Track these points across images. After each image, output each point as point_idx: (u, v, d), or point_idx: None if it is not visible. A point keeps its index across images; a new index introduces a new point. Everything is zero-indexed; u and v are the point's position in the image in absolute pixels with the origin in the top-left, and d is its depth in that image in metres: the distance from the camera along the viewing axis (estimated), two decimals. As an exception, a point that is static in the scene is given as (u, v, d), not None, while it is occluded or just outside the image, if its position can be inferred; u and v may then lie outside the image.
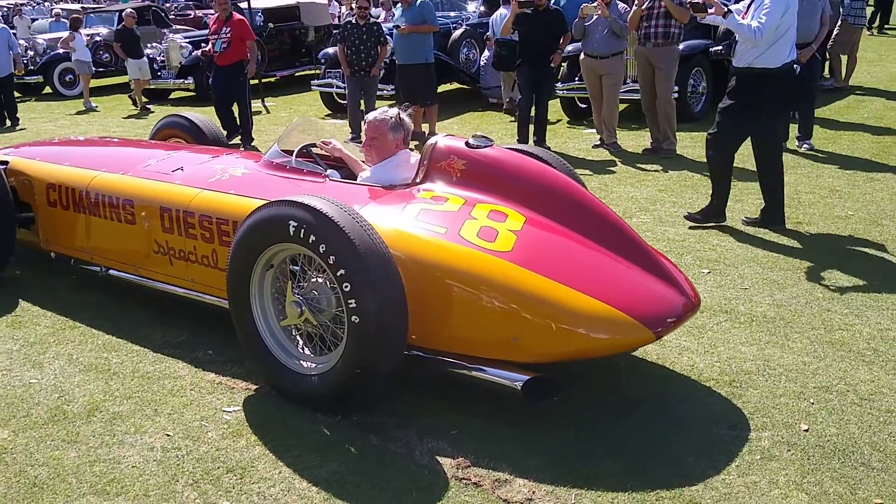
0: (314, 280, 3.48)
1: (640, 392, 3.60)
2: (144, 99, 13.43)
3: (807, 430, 3.22)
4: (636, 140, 9.03)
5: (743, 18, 5.60)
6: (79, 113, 13.36)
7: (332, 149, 4.48)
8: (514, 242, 3.43)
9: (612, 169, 7.91)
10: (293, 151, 4.36)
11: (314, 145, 4.53)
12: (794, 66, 5.77)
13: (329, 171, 4.22)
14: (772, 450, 3.11)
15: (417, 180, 3.92)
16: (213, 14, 19.30)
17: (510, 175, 3.79)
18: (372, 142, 4.17)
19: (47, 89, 15.72)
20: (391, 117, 4.13)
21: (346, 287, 3.18)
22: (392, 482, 2.98)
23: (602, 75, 8.58)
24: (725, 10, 5.67)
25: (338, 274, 3.20)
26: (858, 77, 11.96)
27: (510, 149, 4.05)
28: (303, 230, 3.27)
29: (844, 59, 11.60)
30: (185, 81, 14.13)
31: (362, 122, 9.31)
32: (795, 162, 7.69)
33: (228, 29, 8.94)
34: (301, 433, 3.30)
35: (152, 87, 14.25)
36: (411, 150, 4.28)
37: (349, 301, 3.19)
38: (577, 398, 3.49)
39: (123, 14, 13.26)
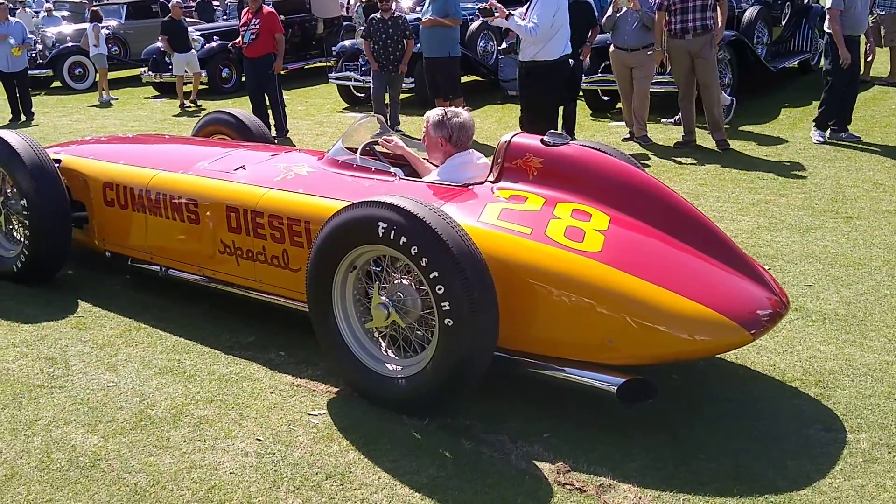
0: (398, 282, 3.43)
1: (728, 393, 3.57)
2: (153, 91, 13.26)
3: (904, 432, 3.20)
4: (665, 133, 9.01)
5: (523, 20, 6.71)
6: (93, 106, 13.24)
7: (394, 146, 4.43)
8: (603, 242, 3.38)
9: (645, 163, 7.86)
10: (356, 149, 4.31)
11: (376, 143, 4.48)
12: (570, 59, 7.07)
13: (394, 170, 4.17)
14: (872, 452, 3.09)
15: (491, 179, 3.87)
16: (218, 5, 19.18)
17: (590, 173, 3.75)
18: (422, 139, 4.18)
19: (56, 83, 15.58)
20: (436, 115, 4.10)
21: (440, 290, 3.13)
22: (494, 488, 2.94)
23: (633, 68, 8.54)
24: (507, 13, 6.79)
25: (430, 276, 3.15)
26: (877, 68, 11.94)
27: (585, 146, 4.00)
28: (393, 231, 3.22)
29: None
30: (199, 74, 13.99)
31: (387, 116, 9.34)
32: (832, 155, 7.68)
33: (258, 21, 8.88)
34: (392, 437, 3.26)
35: (164, 80, 14.15)
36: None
37: (442, 304, 3.14)
38: (666, 400, 3.45)
39: (171, 5, 12.93)
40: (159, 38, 13.22)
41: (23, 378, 3.77)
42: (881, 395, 3.47)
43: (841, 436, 3.20)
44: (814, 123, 8.37)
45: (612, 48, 8.70)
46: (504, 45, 8.70)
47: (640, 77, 8.55)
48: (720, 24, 7.98)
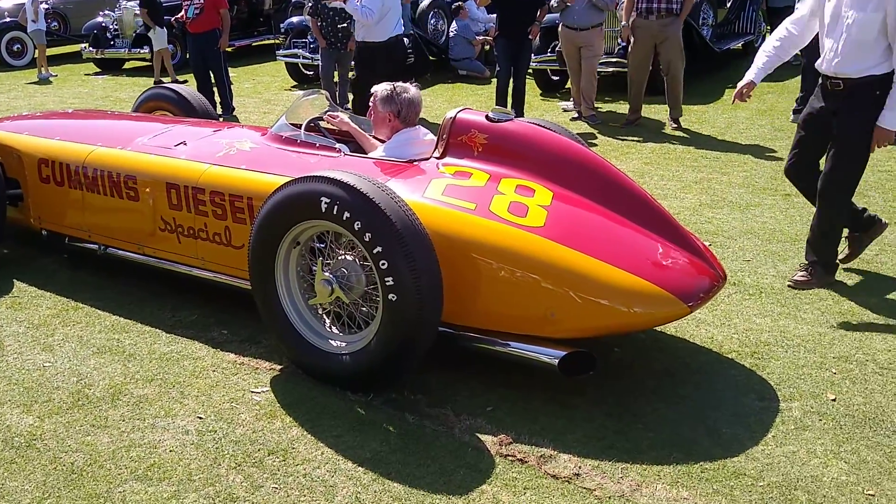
0: (342, 257, 3.42)
1: (667, 365, 3.64)
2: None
3: (834, 400, 3.30)
4: (612, 113, 9.09)
5: (358, 2, 7.32)
6: (31, 84, 12.85)
7: (339, 122, 4.39)
8: (546, 218, 3.41)
9: (593, 142, 7.94)
10: (301, 125, 4.26)
11: (321, 119, 4.43)
12: (403, 38, 7.84)
13: (339, 146, 4.13)
14: (804, 420, 3.19)
15: (436, 155, 3.86)
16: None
17: (534, 149, 3.76)
18: (370, 113, 4.14)
19: (-7, 60, 15.07)
20: (384, 90, 4.06)
21: (383, 265, 3.13)
22: (437, 460, 2.97)
23: (581, 47, 8.58)
24: None
25: (374, 251, 3.14)
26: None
27: (529, 122, 4.02)
28: (336, 207, 3.20)
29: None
30: (141, 51, 13.68)
31: (336, 94, 9.24)
32: (773, 135, 7.85)
33: (202, -5, 8.69)
34: (335, 413, 3.26)
35: (105, 56, 13.80)
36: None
37: (386, 279, 3.14)
38: (608, 372, 3.51)
39: None
40: (137, 11, 12.45)
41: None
42: (813, 365, 3.57)
43: (774, 405, 3.30)
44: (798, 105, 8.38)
45: (560, 27, 8.73)
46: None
47: (589, 56, 8.59)
48: (686, 9, 8.03)
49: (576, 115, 8.89)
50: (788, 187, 6.13)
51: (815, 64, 4.19)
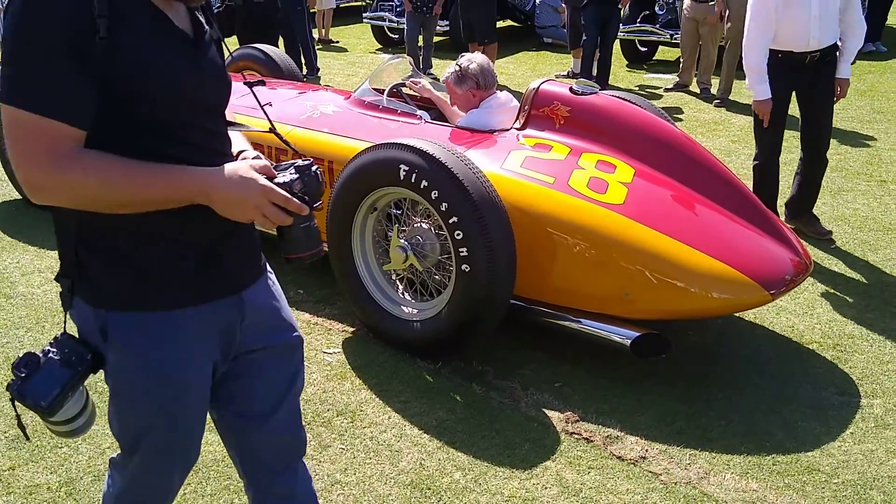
0: (418, 225, 3.43)
1: (744, 352, 3.54)
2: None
3: (919, 400, 3.17)
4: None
5: None
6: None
7: (421, 89, 4.39)
8: (626, 195, 3.34)
9: (679, 117, 7.73)
10: (384, 91, 4.27)
11: (404, 85, 4.43)
12: None
13: (420, 113, 4.13)
14: (885, 418, 3.07)
15: (517, 126, 3.82)
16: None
17: (617, 124, 3.69)
18: (452, 99, 4.08)
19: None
20: (452, 72, 3.96)
21: (458, 235, 3.13)
22: (502, 433, 2.97)
23: (700, 20, 8.31)
24: None
25: (450, 221, 3.14)
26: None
27: (613, 96, 3.93)
28: (414, 175, 3.21)
29: None
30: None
31: (420, 59, 9.24)
32: (871, 117, 7.48)
33: (289, -45, 8.75)
34: (404, 378, 3.30)
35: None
36: None
37: (460, 249, 3.14)
38: (681, 356, 3.44)
39: None
40: None
41: (46, 303, 3.85)
42: (899, 361, 3.43)
43: (854, 400, 3.18)
44: None
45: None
46: None
47: (710, 30, 8.33)
48: None
49: (670, 86, 8.66)
50: (885, 173, 5.88)
51: (788, 47, 4.36)
